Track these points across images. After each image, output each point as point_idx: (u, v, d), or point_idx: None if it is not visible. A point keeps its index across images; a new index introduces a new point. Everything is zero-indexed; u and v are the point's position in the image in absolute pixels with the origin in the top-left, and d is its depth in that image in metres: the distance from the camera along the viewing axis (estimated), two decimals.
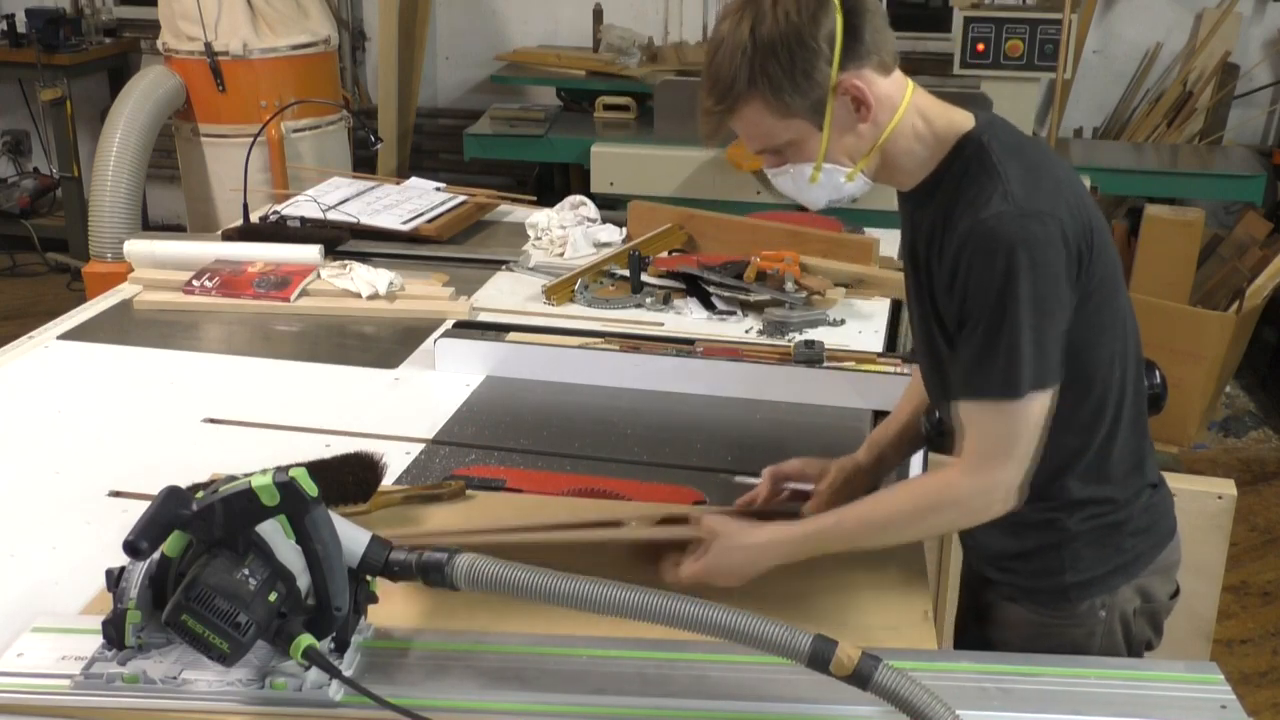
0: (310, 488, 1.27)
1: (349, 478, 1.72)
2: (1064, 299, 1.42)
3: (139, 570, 1.31)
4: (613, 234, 3.00)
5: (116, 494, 1.85)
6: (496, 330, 2.45)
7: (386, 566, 1.33)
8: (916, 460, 1.96)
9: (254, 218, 3.07)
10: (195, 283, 2.70)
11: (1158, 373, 1.68)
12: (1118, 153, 5.11)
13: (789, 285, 2.59)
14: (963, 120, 1.50)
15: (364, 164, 5.30)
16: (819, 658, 1.19)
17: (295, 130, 4.75)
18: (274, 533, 1.28)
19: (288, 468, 1.29)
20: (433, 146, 6.16)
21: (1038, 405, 1.43)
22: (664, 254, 2.86)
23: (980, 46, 4.52)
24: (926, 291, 1.54)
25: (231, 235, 3.00)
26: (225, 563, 1.26)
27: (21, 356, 2.41)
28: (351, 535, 1.33)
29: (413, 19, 5.72)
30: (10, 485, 1.92)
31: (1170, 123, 5.29)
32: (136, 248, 2.86)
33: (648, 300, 2.65)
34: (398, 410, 2.18)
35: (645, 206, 3.06)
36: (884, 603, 1.57)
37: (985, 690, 1.34)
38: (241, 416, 2.14)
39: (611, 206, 3.32)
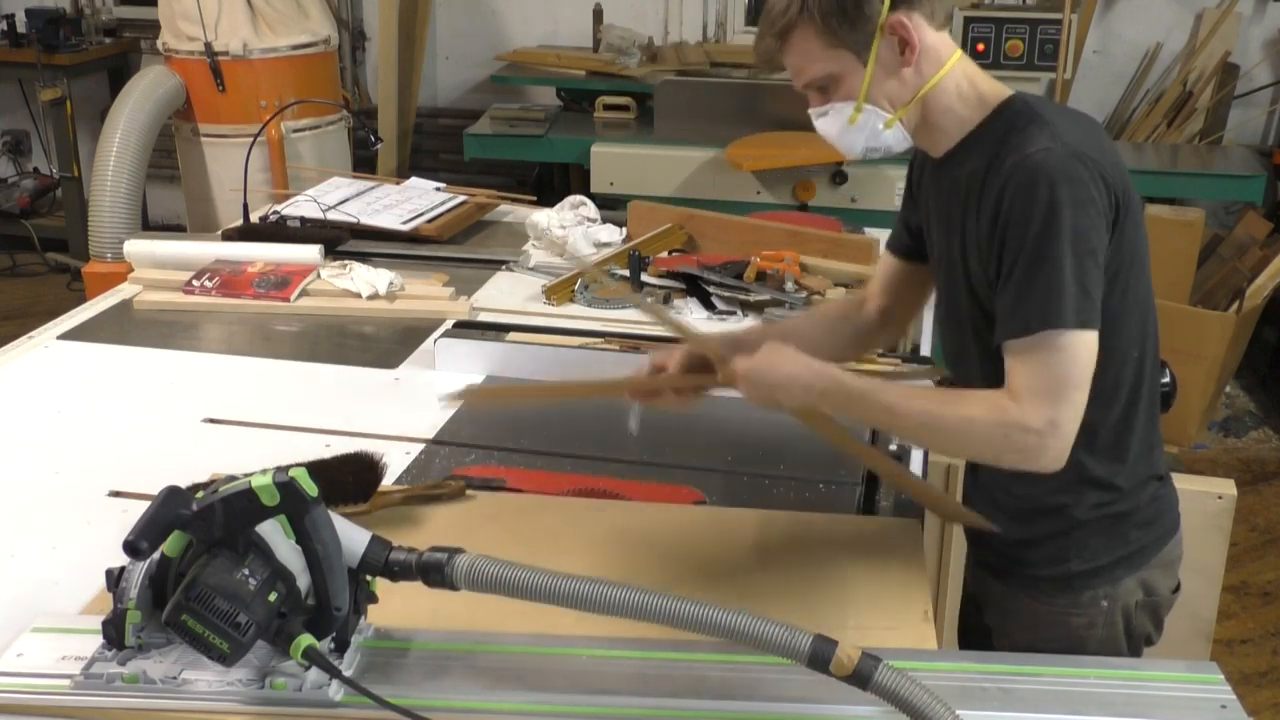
0: (310, 488, 1.27)
1: (349, 478, 1.72)
2: (1103, 240, 1.44)
3: (139, 570, 1.31)
4: (613, 234, 3.00)
5: (116, 494, 1.85)
6: (496, 330, 2.45)
7: (386, 566, 1.33)
8: (916, 460, 1.97)
9: (254, 218, 3.07)
10: (195, 283, 2.70)
11: (1168, 371, 1.69)
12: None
13: (789, 285, 2.59)
14: (1003, 90, 1.54)
15: (364, 164, 5.30)
16: (819, 658, 1.19)
17: (295, 130, 4.75)
18: (274, 533, 1.28)
19: (288, 468, 1.29)
20: (433, 146, 6.16)
21: (1084, 343, 1.42)
22: (664, 254, 2.86)
23: (980, 46, 4.52)
24: (959, 252, 1.54)
25: (231, 235, 3.00)
26: (225, 563, 1.26)
27: (21, 356, 2.41)
28: (351, 535, 1.33)
29: (413, 19, 5.72)
30: (10, 485, 1.92)
31: (1170, 123, 5.29)
32: (136, 248, 2.86)
33: (648, 300, 2.65)
34: (398, 410, 2.18)
35: (645, 206, 3.06)
36: (884, 603, 1.57)
37: (985, 690, 1.34)
38: (241, 416, 2.14)
39: (611, 206, 3.32)
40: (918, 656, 1.41)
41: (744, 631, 1.21)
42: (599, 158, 4.66)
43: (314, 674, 1.30)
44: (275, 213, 3.10)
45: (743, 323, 2.55)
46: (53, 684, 1.34)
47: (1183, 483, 2.17)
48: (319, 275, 2.71)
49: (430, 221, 3.11)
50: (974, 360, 1.58)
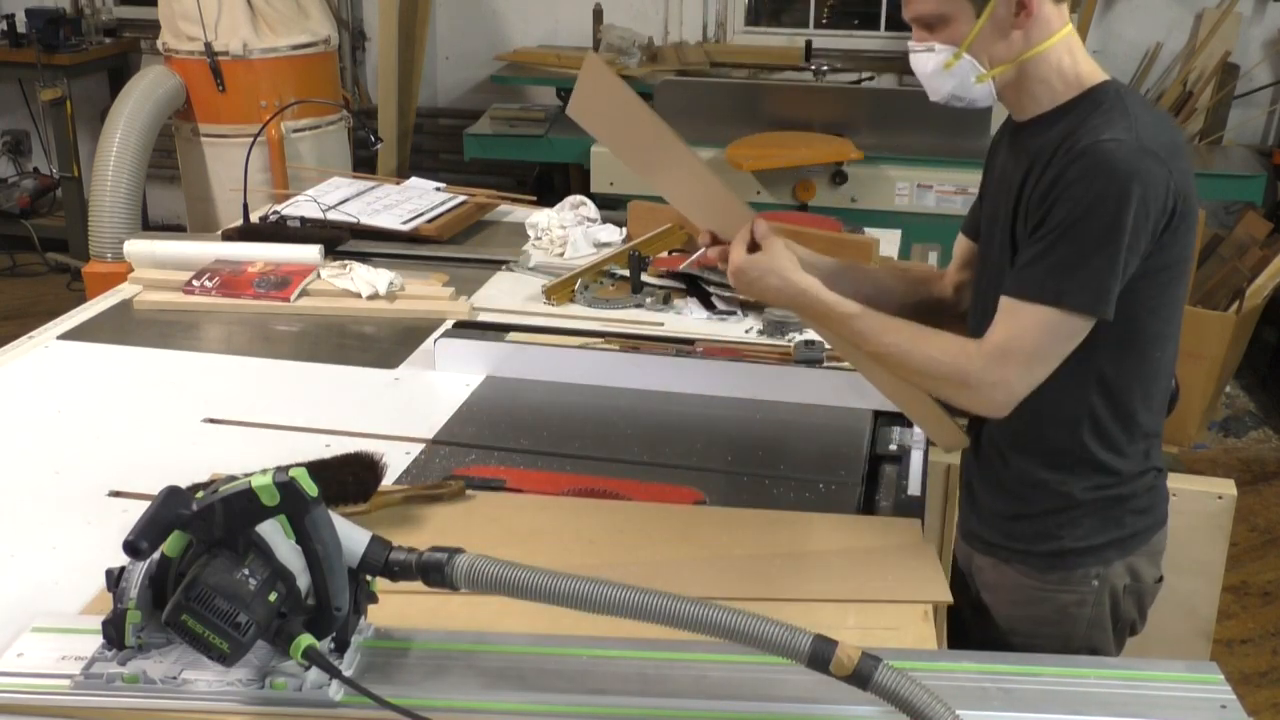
0: (310, 488, 1.27)
1: (349, 478, 1.72)
2: (1143, 241, 1.46)
3: (139, 570, 1.31)
4: (613, 234, 3.00)
5: (116, 494, 1.85)
6: (496, 330, 2.45)
7: (386, 566, 1.33)
8: (916, 463, 1.97)
9: (254, 218, 3.07)
10: (195, 283, 2.70)
11: (1173, 378, 1.71)
12: None
13: None
14: (1101, 73, 1.56)
15: (364, 164, 5.30)
16: (819, 658, 1.19)
17: (295, 130, 4.75)
18: (274, 533, 1.28)
19: (288, 468, 1.29)
20: (433, 146, 6.16)
21: (1075, 327, 1.47)
22: (664, 254, 2.86)
23: None
24: (1010, 213, 1.56)
25: (231, 235, 3.00)
26: (225, 563, 1.25)
27: (21, 356, 2.41)
28: (351, 535, 1.33)
29: (413, 19, 5.72)
30: (10, 485, 1.91)
31: None
32: (136, 248, 2.86)
33: (648, 300, 2.65)
34: (398, 410, 2.18)
35: (645, 206, 3.06)
36: (884, 603, 1.57)
37: (985, 690, 1.34)
38: (241, 416, 2.14)
39: (611, 206, 3.32)
40: (918, 656, 1.41)
41: (744, 631, 1.21)
42: (599, 158, 4.66)
43: (314, 674, 1.30)
44: (275, 213, 3.10)
45: (743, 322, 2.55)
46: (53, 684, 1.34)
47: (1183, 483, 2.18)
48: (319, 275, 2.71)
49: (430, 221, 3.11)
50: None
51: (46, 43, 5.74)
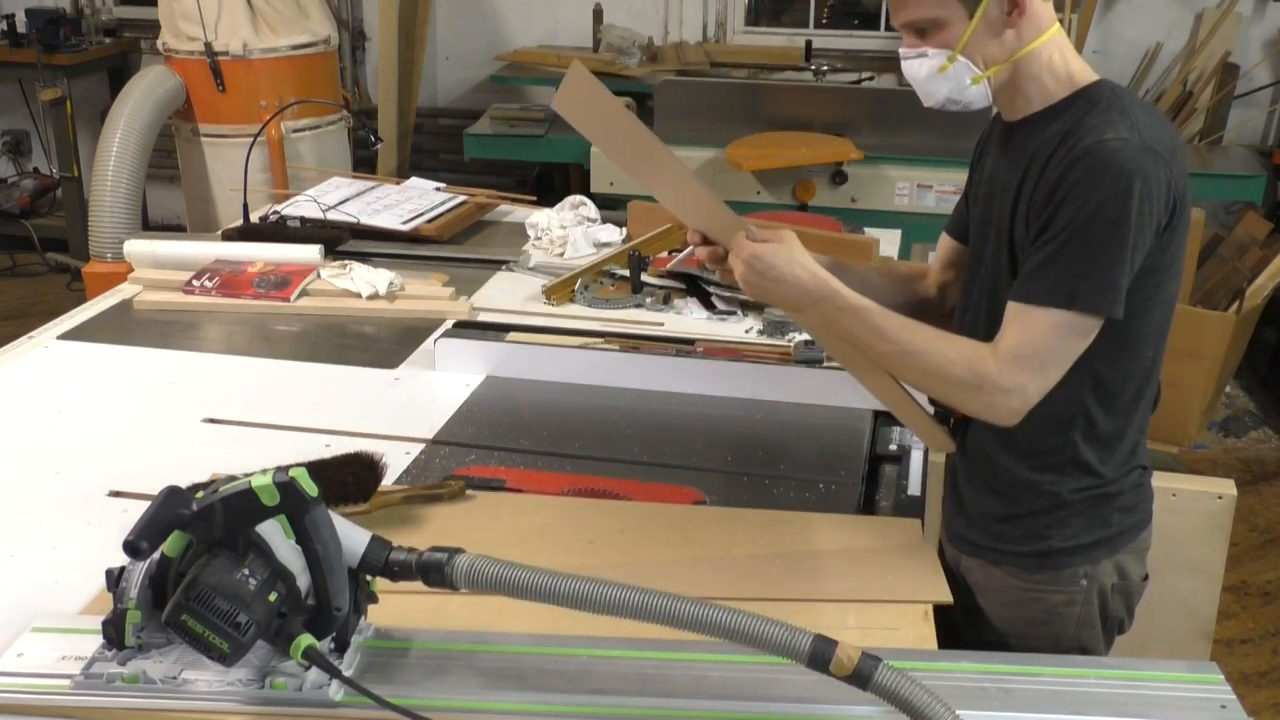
0: (310, 488, 1.27)
1: (349, 478, 1.72)
2: (1147, 239, 1.46)
3: (139, 570, 1.31)
4: (613, 234, 3.00)
5: (116, 494, 1.85)
6: (496, 330, 2.45)
7: (386, 566, 1.33)
8: (916, 463, 1.97)
9: (254, 218, 3.07)
10: (195, 283, 2.70)
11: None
12: None
13: None
14: (1092, 73, 1.56)
15: (364, 164, 5.30)
16: (819, 658, 1.19)
17: (295, 130, 4.75)
18: (274, 533, 1.28)
19: (288, 468, 1.29)
20: (433, 146, 6.16)
21: (1086, 328, 1.47)
22: (664, 254, 2.86)
23: None
24: (1009, 215, 1.55)
25: (231, 235, 3.00)
26: (225, 563, 1.26)
27: (21, 356, 2.41)
28: (351, 535, 1.33)
29: (413, 19, 5.72)
30: (10, 485, 1.91)
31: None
32: (136, 248, 2.86)
33: (648, 300, 2.65)
34: (398, 410, 2.18)
35: (645, 206, 3.06)
36: (884, 603, 1.57)
37: (985, 690, 1.34)
38: (241, 416, 2.14)
39: (611, 206, 3.32)
40: (918, 656, 1.41)
41: (744, 631, 1.21)
42: (599, 158, 4.66)
43: (314, 674, 1.30)
44: (275, 213, 3.10)
45: (743, 322, 2.55)
46: (53, 684, 1.34)
47: (1183, 483, 2.18)
48: (319, 275, 2.71)
49: (430, 221, 3.11)
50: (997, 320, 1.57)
51: (46, 43, 5.74)
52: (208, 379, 2.33)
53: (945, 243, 1.81)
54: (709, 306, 2.61)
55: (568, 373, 2.28)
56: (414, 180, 3.47)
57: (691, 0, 5.98)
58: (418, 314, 2.59)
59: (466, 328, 2.48)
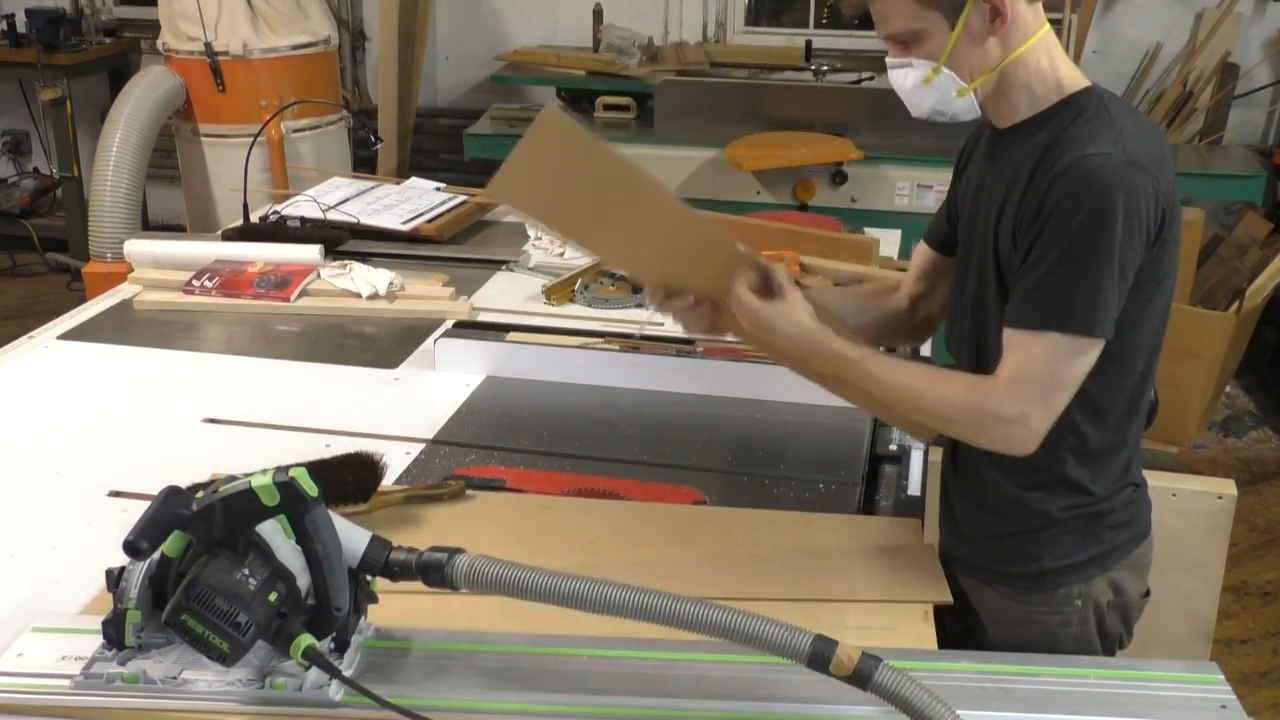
0: (310, 488, 1.27)
1: (349, 478, 1.72)
2: (1137, 255, 1.44)
3: (139, 570, 1.31)
4: None
5: (116, 494, 1.85)
6: (496, 330, 2.45)
7: (386, 566, 1.33)
8: (916, 463, 1.97)
9: (254, 218, 3.07)
10: (195, 283, 2.70)
11: (1153, 389, 1.69)
12: None
13: None
14: (1082, 79, 1.54)
15: (364, 164, 5.30)
16: (819, 658, 1.19)
17: (295, 130, 4.75)
18: (274, 533, 1.28)
19: (288, 468, 1.29)
20: (433, 146, 6.16)
21: (1086, 350, 1.44)
22: None
23: None
24: (994, 227, 1.54)
25: (231, 235, 3.00)
26: (225, 563, 1.26)
27: (21, 356, 2.41)
28: (351, 535, 1.33)
29: (413, 19, 5.72)
30: (10, 485, 1.92)
31: (1170, 123, 5.29)
32: (136, 248, 2.86)
33: (648, 300, 2.65)
34: (398, 410, 2.18)
35: None
36: (884, 603, 1.57)
37: (985, 690, 1.34)
38: (241, 416, 2.14)
39: None
40: (918, 656, 1.41)
41: (744, 631, 1.21)
42: None
43: (314, 674, 1.30)
44: (275, 213, 3.10)
45: None
46: (53, 684, 1.34)
47: (1183, 483, 2.18)
48: (319, 275, 2.71)
49: (430, 221, 3.11)
50: (991, 337, 1.55)
51: (46, 43, 5.74)
52: (208, 379, 2.33)
53: (922, 252, 1.79)
54: None
55: (568, 373, 2.28)
56: (414, 180, 3.47)
57: (691, 0, 5.98)
58: (418, 314, 2.59)
59: (466, 328, 2.48)
